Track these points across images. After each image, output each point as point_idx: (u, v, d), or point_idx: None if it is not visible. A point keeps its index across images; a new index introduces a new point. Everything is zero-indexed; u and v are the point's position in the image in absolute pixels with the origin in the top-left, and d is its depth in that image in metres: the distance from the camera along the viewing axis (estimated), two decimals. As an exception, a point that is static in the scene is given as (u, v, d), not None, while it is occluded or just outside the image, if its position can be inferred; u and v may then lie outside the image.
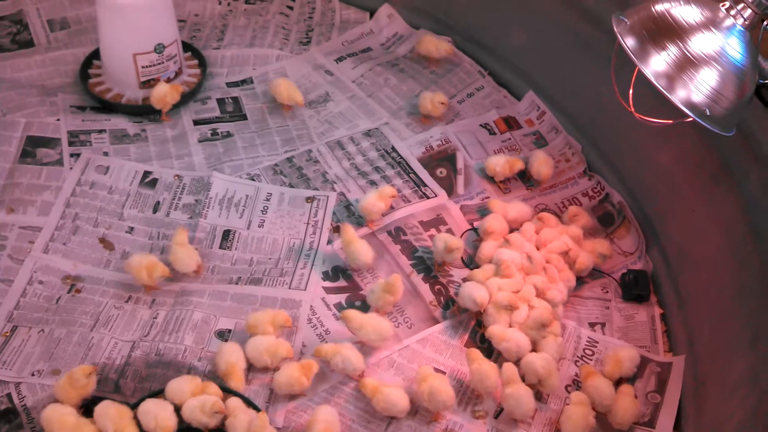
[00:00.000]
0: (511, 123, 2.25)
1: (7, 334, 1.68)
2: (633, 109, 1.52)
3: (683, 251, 1.86)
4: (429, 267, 1.88)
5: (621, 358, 1.69)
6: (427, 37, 2.36)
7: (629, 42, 1.37)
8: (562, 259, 1.84)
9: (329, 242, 1.90)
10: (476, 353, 1.63)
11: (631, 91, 1.53)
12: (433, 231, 1.95)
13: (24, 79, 2.25)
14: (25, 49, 2.35)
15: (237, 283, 1.80)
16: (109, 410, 1.48)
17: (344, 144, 2.14)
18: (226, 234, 1.91)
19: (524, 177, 2.11)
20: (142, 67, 2.13)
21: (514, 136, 2.21)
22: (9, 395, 1.58)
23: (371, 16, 2.56)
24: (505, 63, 2.36)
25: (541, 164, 2.07)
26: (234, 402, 1.53)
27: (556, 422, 1.61)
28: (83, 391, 1.52)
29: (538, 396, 1.65)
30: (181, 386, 1.51)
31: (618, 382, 1.67)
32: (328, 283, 1.82)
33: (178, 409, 1.49)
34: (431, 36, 2.37)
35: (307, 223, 1.94)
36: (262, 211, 1.96)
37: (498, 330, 1.69)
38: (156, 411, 1.46)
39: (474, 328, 1.76)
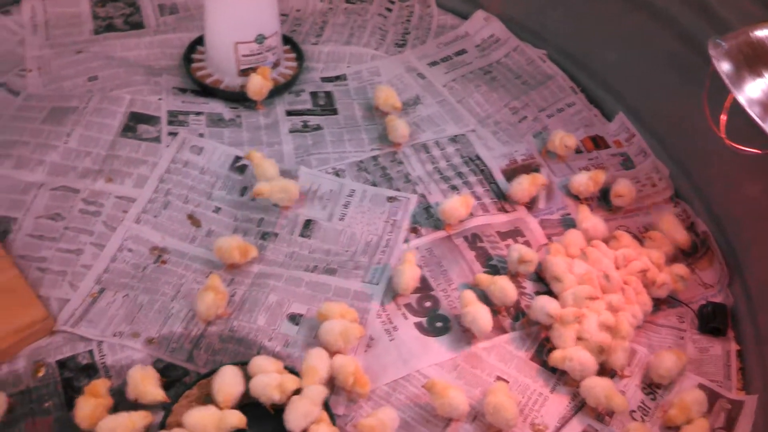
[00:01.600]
0: (599, 142, 2.23)
1: (95, 295, 1.78)
2: (724, 136, 1.49)
3: (766, 287, 1.81)
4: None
5: (688, 403, 1.63)
6: None
7: (724, 67, 1.35)
8: (640, 280, 1.82)
9: (406, 241, 1.93)
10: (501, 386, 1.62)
11: (723, 117, 1.50)
12: (509, 241, 1.95)
13: (132, 58, 2.37)
14: (136, 30, 2.48)
15: (312, 271, 1.85)
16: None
17: (429, 147, 2.17)
18: (308, 223, 1.96)
19: (608, 198, 2.09)
20: (242, 55, 2.21)
21: (601, 155, 2.19)
22: (91, 352, 1.68)
23: (468, 23, 2.60)
24: (597, 81, 2.34)
25: (622, 190, 2.03)
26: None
27: (617, 445, 1.61)
28: None
29: (600, 417, 1.64)
30: (262, 364, 1.58)
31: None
32: (400, 281, 1.86)
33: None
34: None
35: (386, 222, 1.97)
36: (344, 205, 2.00)
37: (560, 352, 1.69)
38: (230, 377, 1.54)
39: (542, 343, 1.76)
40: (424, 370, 1.69)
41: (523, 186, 1.99)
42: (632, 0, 2.16)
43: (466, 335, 1.75)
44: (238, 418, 1.49)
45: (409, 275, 1.78)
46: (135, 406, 1.55)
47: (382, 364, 1.69)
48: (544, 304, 1.73)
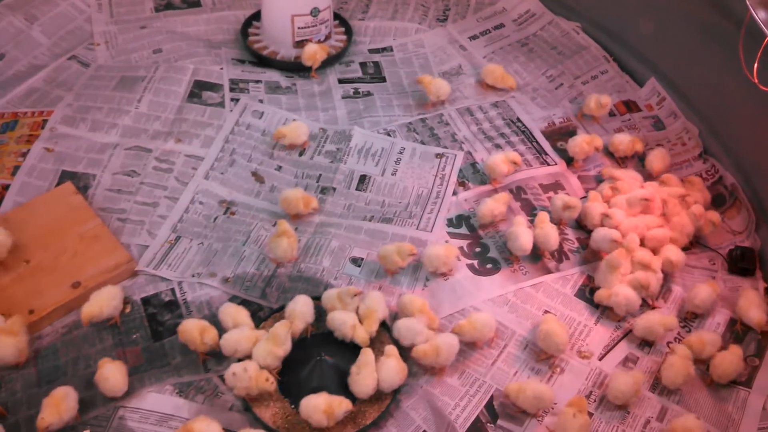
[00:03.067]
0: (631, 106, 2.37)
1: (172, 242, 1.94)
2: (757, 81, 1.63)
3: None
4: (546, 223, 2.03)
5: (704, 341, 1.76)
6: None
7: (761, 15, 1.49)
8: (678, 202, 1.97)
9: (455, 194, 2.08)
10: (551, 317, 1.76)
11: (756, 65, 1.64)
12: (551, 193, 2.09)
13: (192, 33, 2.54)
14: (193, 8, 2.64)
15: (370, 221, 2.00)
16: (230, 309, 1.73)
17: (473, 111, 2.31)
18: (362, 178, 2.11)
19: (642, 160, 2.23)
20: (298, 27, 2.37)
21: (633, 117, 2.33)
22: (172, 290, 1.84)
23: (505, 0, 2.75)
24: (629, 50, 2.48)
25: (656, 158, 2.16)
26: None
27: (657, 371, 1.74)
28: None
29: (643, 344, 1.78)
30: (330, 294, 1.75)
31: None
32: (451, 229, 2.00)
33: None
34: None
35: (436, 176, 2.12)
36: (396, 162, 2.15)
37: (605, 290, 1.83)
38: (303, 304, 1.71)
39: (584, 283, 1.91)
40: (478, 305, 1.83)
41: (581, 145, 2.14)
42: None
43: (514, 275, 1.90)
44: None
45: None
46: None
47: (438, 300, 1.84)
48: (607, 233, 1.89)
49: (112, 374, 1.61)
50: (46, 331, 1.76)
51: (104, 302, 1.71)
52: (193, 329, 1.65)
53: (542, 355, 1.75)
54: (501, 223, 2.00)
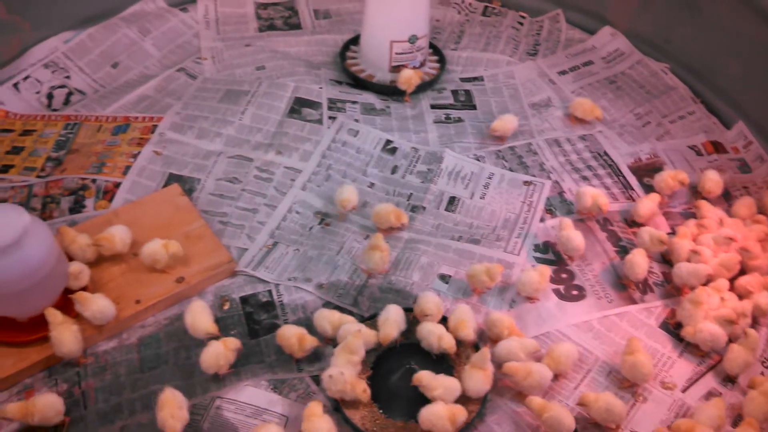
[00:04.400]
0: (717, 147, 2.41)
1: (270, 247, 2.03)
2: None
3: None
4: (631, 256, 2.07)
5: None
6: None
7: None
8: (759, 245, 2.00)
9: (542, 220, 2.13)
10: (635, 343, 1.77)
11: None
12: (635, 228, 2.13)
13: (293, 53, 2.67)
14: (294, 30, 2.79)
15: (458, 240, 2.07)
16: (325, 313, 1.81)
17: (561, 142, 2.38)
18: (452, 199, 2.18)
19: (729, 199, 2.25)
20: (395, 53, 2.47)
21: (720, 158, 2.37)
22: (270, 291, 1.92)
23: (593, 38, 2.82)
24: (717, 92, 2.52)
25: (743, 206, 2.17)
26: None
27: (739, 407, 1.75)
28: None
29: (727, 379, 1.80)
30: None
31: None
32: (538, 254, 2.05)
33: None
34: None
35: (523, 202, 2.18)
36: (484, 186, 2.22)
37: (691, 328, 1.84)
38: (394, 314, 1.78)
39: (668, 315, 1.93)
40: (563, 329, 1.88)
41: (666, 180, 2.18)
42: (760, 14, 2.32)
43: (600, 303, 1.94)
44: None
45: (578, 240, 1.99)
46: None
47: (524, 322, 1.89)
48: (694, 268, 1.92)
49: (215, 350, 1.71)
50: (149, 321, 1.86)
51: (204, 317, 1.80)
52: (292, 336, 1.74)
53: (625, 383, 1.78)
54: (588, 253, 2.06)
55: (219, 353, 1.71)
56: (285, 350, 1.76)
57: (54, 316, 1.71)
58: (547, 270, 1.92)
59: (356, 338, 1.71)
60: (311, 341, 1.75)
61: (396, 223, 2.05)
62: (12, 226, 1.62)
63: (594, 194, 2.10)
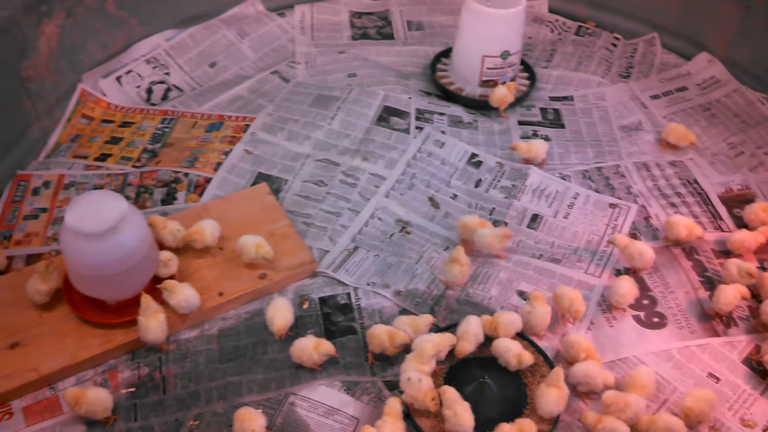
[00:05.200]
0: (814, 182, 2.33)
1: (350, 251, 2.07)
2: None
3: None
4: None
5: None
6: None
7: None
8: None
9: (625, 245, 2.10)
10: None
11: None
12: (722, 259, 2.08)
13: (384, 62, 2.71)
14: (387, 40, 2.83)
15: (539, 258, 2.06)
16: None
17: (650, 167, 2.34)
18: (535, 217, 2.17)
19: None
20: (487, 68, 2.48)
21: (816, 194, 2.29)
22: (348, 294, 1.95)
23: (688, 63, 2.77)
24: (818, 126, 2.44)
25: None
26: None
27: (824, 452, 1.69)
28: None
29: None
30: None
31: None
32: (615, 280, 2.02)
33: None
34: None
35: (608, 225, 2.15)
36: (569, 206, 2.20)
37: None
38: (474, 326, 1.78)
39: (752, 351, 1.87)
40: (641, 356, 1.84)
41: (756, 212, 2.12)
42: None
43: (681, 333, 1.90)
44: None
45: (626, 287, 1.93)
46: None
47: (601, 345, 1.86)
48: None
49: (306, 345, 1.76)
50: (231, 314, 1.91)
51: (285, 313, 1.83)
52: (382, 333, 1.76)
53: (694, 420, 1.72)
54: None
55: (310, 352, 1.75)
56: (375, 349, 1.78)
57: (147, 302, 1.78)
58: (635, 289, 1.91)
59: (430, 346, 1.72)
60: (402, 337, 1.76)
61: (499, 245, 2.03)
62: (111, 212, 1.70)
63: (687, 224, 2.06)
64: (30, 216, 2.14)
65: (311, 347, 1.75)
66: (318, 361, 1.76)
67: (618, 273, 2.02)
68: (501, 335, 1.79)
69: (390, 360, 1.80)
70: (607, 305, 1.95)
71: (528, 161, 2.32)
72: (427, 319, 1.81)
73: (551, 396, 1.67)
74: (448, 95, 2.56)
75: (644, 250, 2.00)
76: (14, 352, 1.78)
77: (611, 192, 2.25)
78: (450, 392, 1.65)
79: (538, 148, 2.30)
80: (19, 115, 2.30)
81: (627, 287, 1.90)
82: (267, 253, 1.94)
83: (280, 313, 1.82)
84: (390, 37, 2.85)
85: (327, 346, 1.76)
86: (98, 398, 1.67)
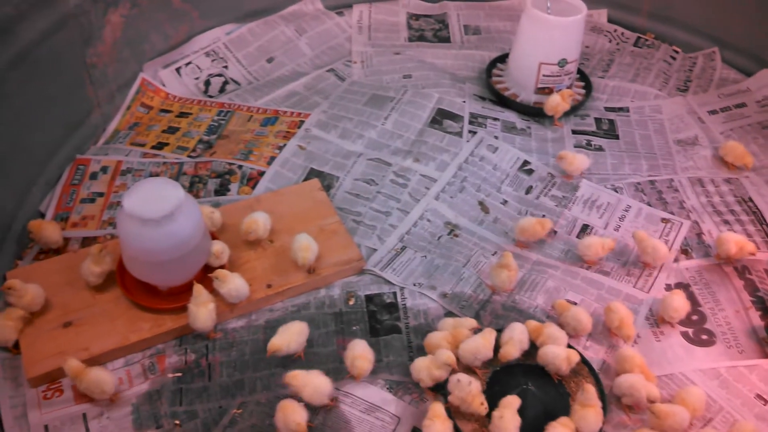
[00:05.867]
0: None
1: (398, 251, 2.08)
2: None
3: None
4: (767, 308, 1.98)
5: None
6: None
7: None
8: None
9: (676, 260, 2.07)
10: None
11: None
12: (776, 280, 2.05)
13: (440, 65, 2.72)
14: (443, 43, 2.84)
15: (587, 269, 2.04)
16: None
17: (704, 183, 2.30)
18: (585, 227, 2.16)
19: None
20: (543, 75, 2.47)
21: None
22: (394, 293, 1.96)
23: (749, 79, 2.72)
24: None
25: None
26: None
27: None
28: None
29: None
30: (553, 332, 1.79)
31: None
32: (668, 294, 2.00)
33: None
34: None
35: (659, 239, 2.12)
36: (620, 218, 2.18)
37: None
38: (519, 332, 1.77)
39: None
40: (688, 373, 1.82)
41: None
42: None
43: (729, 352, 1.87)
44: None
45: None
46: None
47: (648, 360, 1.83)
48: None
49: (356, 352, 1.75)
50: (278, 306, 1.94)
51: (292, 337, 1.79)
52: (441, 340, 1.77)
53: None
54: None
55: (355, 359, 1.75)
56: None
57: (200, 291, 1.81)
58: (687, 303, 1.90)
59: (446, 355, 1.71)
60: (448, 356, 1.74)
61: (542, 232, 2.05)
62: (169, 199, 1.73)
63: (737, 240, 2.03)
64: (87, 199, 2.20)
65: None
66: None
67: (668, 288, 2.00)
68: (547, 344, 1.78)
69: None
70: (655, 320, 1.93)
71: (567, 174, 2.30)
72: (470, 323, 1.82)
73: (590, 417, 1.64)
74: (503, 101, 2.56)
75: (659, 246, 2.00)
76: (67, 330, 1.83)
77: (664, 206, 2.23)
78: (512, 399, 1.65)
79: (579, 162, 2.28)
80: (82, 101, 2.36)
81: (680, 302, 1.88)
82: (305, 260, 1.93)
83: (287, 336, 1.77)
84: (446, 40, 2.86)
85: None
86: (98, 380, 1.68)
